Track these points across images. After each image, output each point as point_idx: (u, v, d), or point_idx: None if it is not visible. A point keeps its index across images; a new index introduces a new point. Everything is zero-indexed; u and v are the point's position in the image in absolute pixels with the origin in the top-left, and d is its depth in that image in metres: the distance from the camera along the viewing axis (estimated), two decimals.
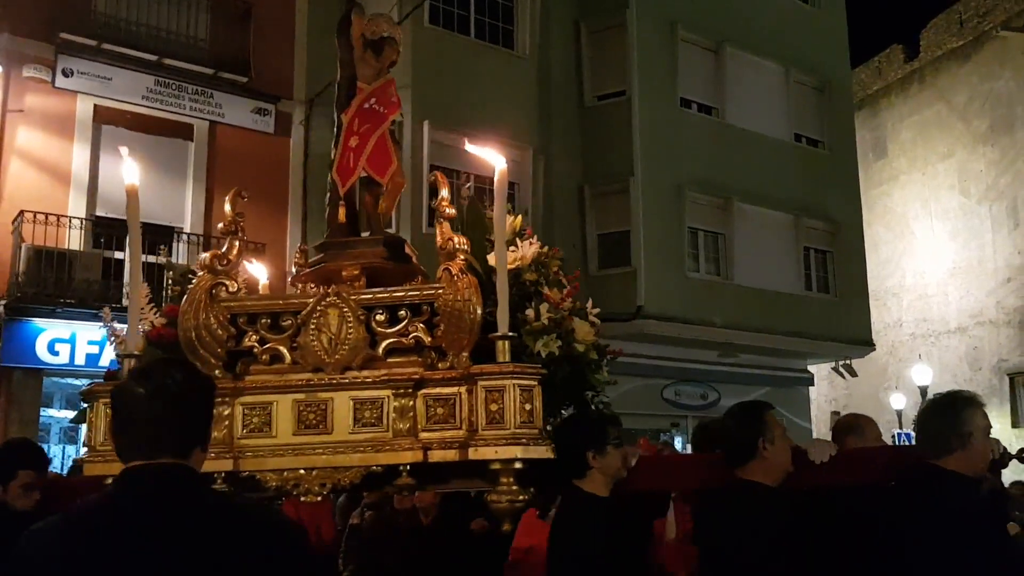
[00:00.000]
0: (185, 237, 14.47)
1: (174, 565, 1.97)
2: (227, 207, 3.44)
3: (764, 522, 3.58)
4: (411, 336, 3.21)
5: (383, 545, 5.77)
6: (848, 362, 21.56)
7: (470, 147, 3.44)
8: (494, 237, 3.50)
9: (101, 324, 4.04)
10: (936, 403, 3.72)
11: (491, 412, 3.00)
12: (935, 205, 29.19)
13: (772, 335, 19.09)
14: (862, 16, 40.68)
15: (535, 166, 17.44)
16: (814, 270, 20.96)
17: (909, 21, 50.78)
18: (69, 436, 14.86)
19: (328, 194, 3.95)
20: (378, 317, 3.22)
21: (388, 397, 3.12)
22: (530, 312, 3.32)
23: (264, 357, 3.23)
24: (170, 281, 3.87)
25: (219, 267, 3.34)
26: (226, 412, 3.09)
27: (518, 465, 3.00)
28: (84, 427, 3.73)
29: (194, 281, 3.38)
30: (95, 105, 14.32)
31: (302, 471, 3.07)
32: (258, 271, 4.35)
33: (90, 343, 13.47)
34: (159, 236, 13.12)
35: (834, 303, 20.99)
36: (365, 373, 3.17)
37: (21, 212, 13.15)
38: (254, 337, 3.24)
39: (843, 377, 22.32)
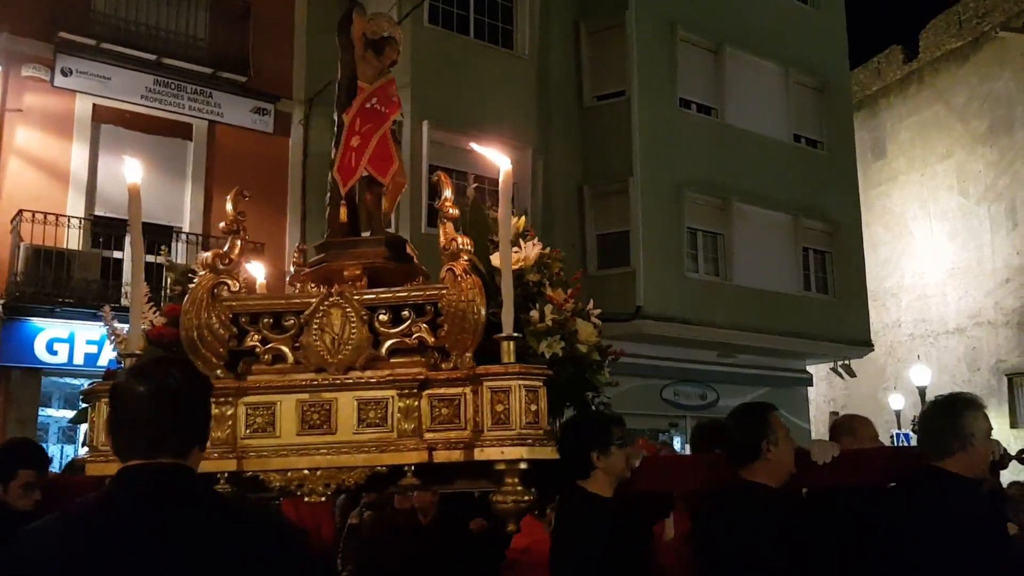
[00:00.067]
0: (184, 237, 14.46)
1: (173, 565, 1.96)
2: (229, 206, 3.43)
3: (767, 523, 3.59)
4: (414, 336, 3.21)
5: (382, 545, 5.76)
6: (847, 362, 21.56)
7: (475, 147, 3.43)
8: (496, 238, 3.51)
9: (102, 323, 4.03)
10: (937, 405, 3.75)
11: (497, 413, 3.00)
12: (934, 206, 29.22)
13: (771, 335, 19.09)
14: (861, 17, 40.67)
15: (534, 166, 17.44)
16: (813, 270, 20.96)
17: (908, 22, 50.90)
18: (67, 436, 14.85)
19: (328, 194, 3.94)
20: (381, 317, 3.22)
21: (393, 397, 3.12)
22: (534, 313, 3.32)
23: (266, 357, 3.22)
24: (171, 280, 3.85)
25: (221, 266, 3.33)
26: (229, 412, 3.08)
27: (523, 466, 3.00)
28: (84, 427, 3.72)
29: (196, 280, 3.37)
30: (94, 104, 14.31)
31: (306, 471, 3.06)
32: (256, 270, 4.35)
33: (89, 343, 13.48)
34: (158, 236, 13.11)
35: (833, 303, 20.99)
36: (369, 373, 3.16)
37: (20, 211, 13.14)
38: (256, 337, 3.23)
39: (842, 377, 22.33)
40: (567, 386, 3.40)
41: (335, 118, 3.92)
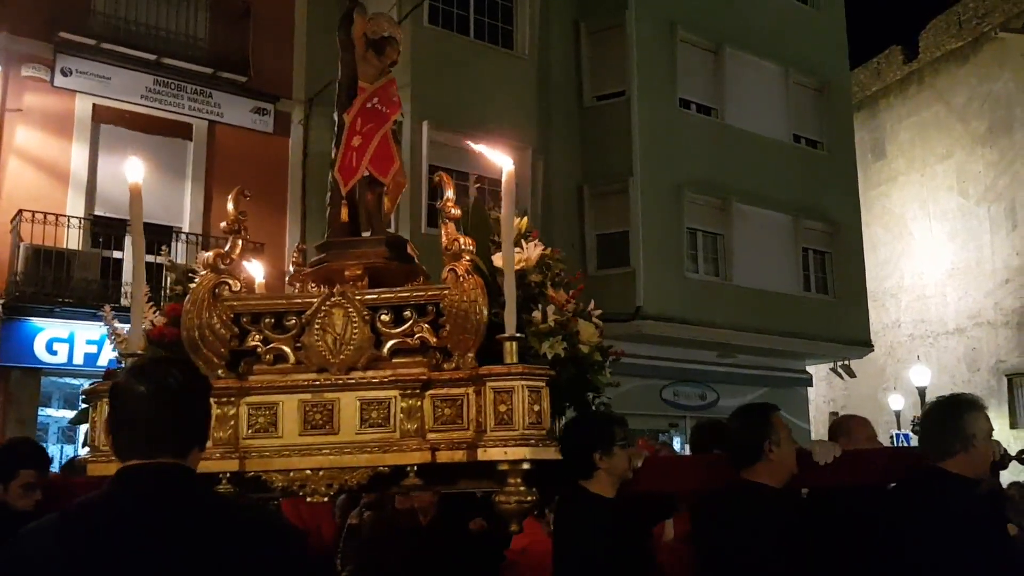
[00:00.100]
0: (184, 237, 14.46)
1: (173, 565, 1.96)
2: (230, 206, 3.42)
3: (769, 523, 3.60)
4: (416, 337, 3.20)
5: (382, 545, 5.76)
6: (846, 363, 21.57)
7: (478, 148, 3.43)
8: (498, 238, 3.51)
9: (102, 323, 4.02)
10: (939, 406, 3.76)
11: (500, 413, 2.99)
12: (933, 206, 29.24)
13: (771, 336, 19.10)
14: (861, 17, 40.69)
15: (534, 166, 17.43)
16: (813, 271, 20.97)
17: (908, 22, 50.94)
18: (67, 436, 14.84)
19: (329, 193, 3.93)
20: (383, 317, 3.21)
21: (395, 397, 3.11)
22: (537, 314, 3.32)
23: (268, 357, 3.21)
24: (171, 280, 3.85)
25: (222, 266, 3.33)
26: (231, 412, 3.08)
27: (526, 466, 3.00)
28: (85, 427, 3.71)
29: (197, 280, 3.36)
30: (94, 104, 14.31)
31: (308, 471, 3.05)
32: (254, 270, 4.34)
33: (88, 342, 13.48)
34: (158, 236, 13.10)
35: (833, 304, 21.00)
36: (371, 373, 3.16)
37: (20, 211, 13.14)
38: (257, 337, 3.23)
39: (841, 378, 22.35)
40: (568, 386, 3.40)
41: (335, 118, 3.91)
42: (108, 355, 11.74)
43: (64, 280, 13.18)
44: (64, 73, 14.02)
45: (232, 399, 3.09)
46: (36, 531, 2.04)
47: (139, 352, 3.21)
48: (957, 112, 28.60)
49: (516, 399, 3.00)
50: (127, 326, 3.60)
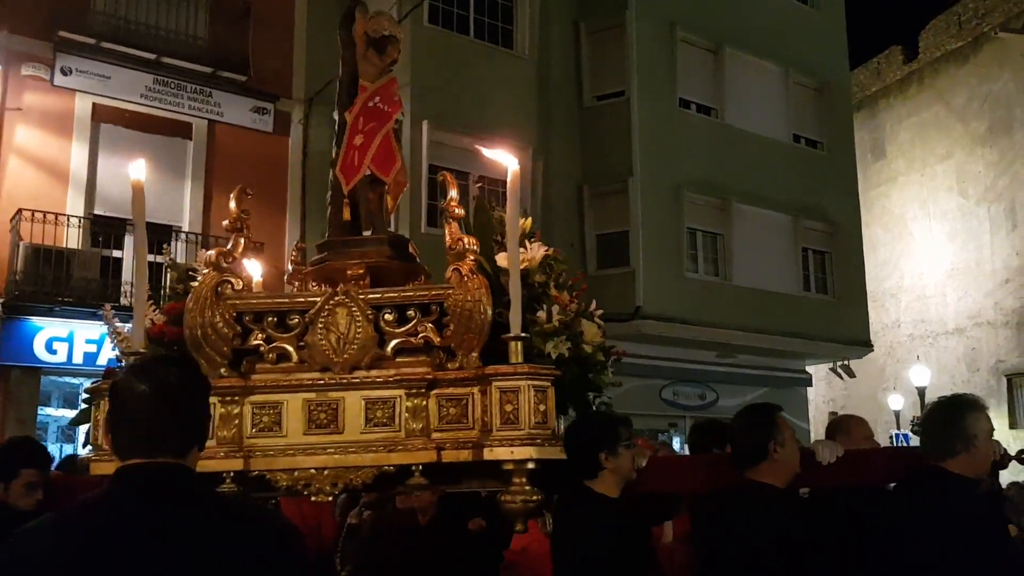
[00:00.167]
0: (184, 236, 14.45)
1: (173, 565, 1.95)
2: (232, 204, 3.42)
3: (774, 523, 3.61)
4: (420, 336, 3.20)
5: (381, 545, 5.75)
6: (846, 363, 21.57)
7: (483, 150, 3.43)
8: (501, 238, 3.51)
9: (102, 322, 4.02)
10: (940, 406, 3.79)
11: (506, 412, 3.00)
12: (933, 206, 29.23)
13: (770, 336, 19.09)
14: (861, 17, 40.66)
15: (534, 166, 17.41)
16: (812, 271, 20.97)
17: (908, 22, 50.94)
18: (67, 435, 14.83)
19: (329, 192, 3.93)
20: (387, 316, 3.21)
21: (401, 397, 3.11)
22: (541, 314, 3.33)
23: (270, 356, 3.21)
24: (173, 279, 3.84)
25: (225, 264, 3.33)
26: (235, 411, 3.07)
27: (531, 466, 3.00)
28: (86, 426, 3.71)
29: (199, 279, 3.36)
30: (94, 104, 14.30)
31: (313, 471, 3.05)
32: (252, 268, 4.34)
33: (88, 342, 13.47)
34: (157, 235, 13.07)
35: (832, 304, 21.00)
36: (376, 372, 3.16)
37: (19, 210, 13.13)
38: (260, 336, 3.22)
39: (841, 378, 22.35)
40: (571, 386, 3.40)
41: (335, 117, 3.91)
42: (108, 354, 11.75)
43: (64, 279, 13.17)
44: (64, 72, 14.01)
45: (236, 398, 3.09)
46: (35, 530, 2.03)
47: (141, 350, 3.20)
48: (957, 112, 28.60)
49: (522, 399, 3.01)
50: (127, 325, 3.59)
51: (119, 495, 2.07)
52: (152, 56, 14.58)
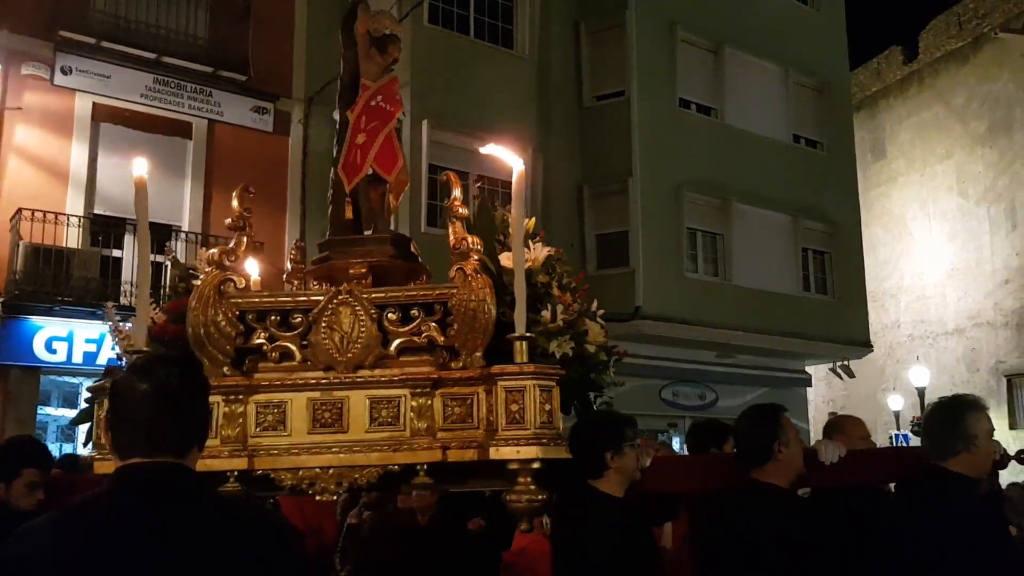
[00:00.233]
0: (183, 236, 14.45)
1: (172, 565, 1.95)
2: (235, 202, 3.41)
3: (780, 523, 3.63)
4: (424, 335, 3.20)
5: (380, 544, 5.75)
6: (846, 363, 21.59)
7: (488, 149, 3.43)
8: (503, 237, 3.51)
9: (103, 321, 4.01)
10: (941, 406, 3.80)
11: (511, 412, 3.00)
12: (933, 206, 29.24)
13: (770, 336, 19.10)
14: (861, 17, 40.69)
15: (534, 166, 17.41)
16: (812, 271, 20.99)
17: (908, 23, 50.97)
18: (66, 435, 14.84)
19: (331, 191, 3.92)
20: (390, 316, 3.20)
21: (406, 396, 3.11)
22: (546, 314, 3.33)
23: (273, 355, 3.21)
24: (175, 278, 3.84)
25: (227, 263, 3.32)
26: (239, 410, 3.07)
27: (536, 465, 3.00)
28: (87, 425, 3.70)
29: (202, 277, 3.36)
30: (94, 103, 14.29)
31: (318, 470, 3.04)
32: (250, 267, 4.34)
33: (88, 341, 13.47)
34: (157, 234, 13.05)
35: (832, 304, 21.02)
36: (380, 372, 3.16)
37: (19, 210, 13.12)
38: (263, 335, 3.22)
39: (841, 378, 22.36)
40: (574, 386, 3.41)
41: (336, 116, 3.91)
42: (107, 354, 11.75)
43: (63, 279, 13.16)
44: (64, 71, 14.01)
45: (240, 397, 3.08)
46: (35, 530, 2.03)
47: (143, 348, 3.20)
48: (957, 112, 28.60)
49: (528, 398, 3.00)
50: (128, 324, 3.59)
51: (119, 494, 2.07)
52: (152, 56, 14.57)
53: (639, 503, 3.78)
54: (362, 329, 3.14)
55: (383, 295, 3.26)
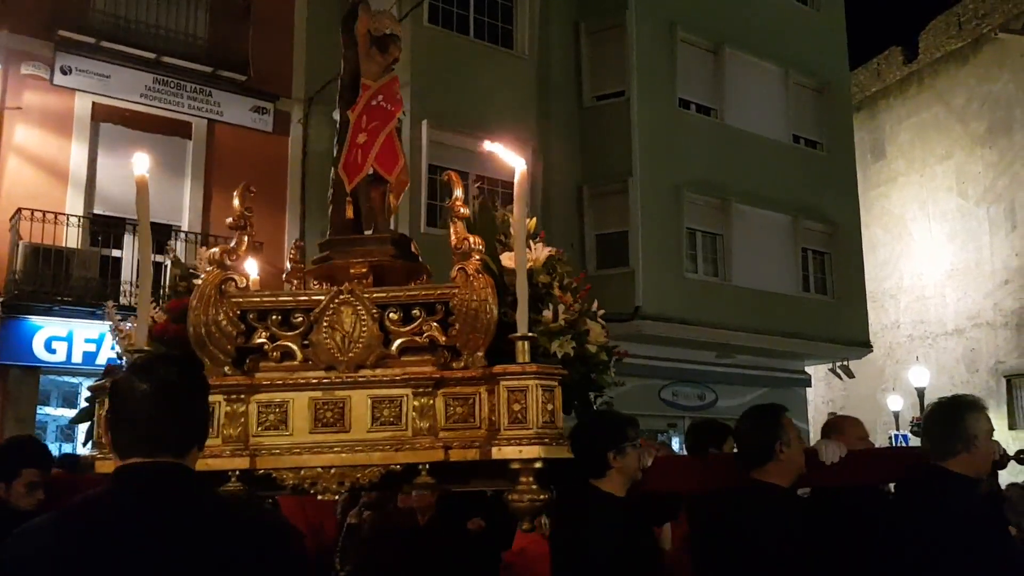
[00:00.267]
0: (183, 235, 14.44)
1: (172, 565, 1.95)
2: (236, 202, 3.41)
3: (782, 523, 3.63)
4: (425, 335, 3.20)
5: (380, 544, 5.75)
6: (845, 363, 21.59)
7: (491, 148, 3.43)
8: (504, 237, 3.52)
9: (104, 320, 4.00)
10: (941, 407, 3.81)
11: (514, 412, 3.00)
12: (933, 207, 29.25)
13: (770, 336, 19.11)
14: (861, 18, 40.71)
15: (534, 166, 17.39)
16: (812, 271, 20.99)
17: (908, 23, 51.02)
18: (65, 434, 14.84)
19: (331, 191, 3.92)
20: (392, 316, 3.20)
21: (408, 396, 3.11)
22: (547, 313, 3.33)
23: (274, 354, 3.20)
24: (176, 277, 3.84)
25: (228, 262, 3.32)
26: (241, 409, 3.07)
27: (539, 465, 3.00)
28: (88, 424, 3.70)
29: (203, 276, 3.35)
30: (93, 103, 14.28)
31: (320, 469, 3.04)
32: (249, 267, 4.34)
33: (87, 341, 13.47)
34: (157, 234, 12.98)
35: (832, 304, 21.02)
36: (381, 371, 3.15)
37: (19, 209, 13.11)
38: (264, 334, 3.22)
39: (840, 378, 22.36)
40: (575, 386, 3.41)
41: (336, 116, 3.90)
42: (107, 353, 11.75)
43: (63, 278, 13.15)
44: (64, 71, 14.00)
45: (242, 396, 3.08)
46: (35, 529, 2.03)
47: (145, 348, 3.19)
48: (957, 113, 28.61)
49: (530, 398, 3.00)
50: (128, 324, 3.58)
51: (119, 494, 2.07)
52: (152, 55, 14.56)
53: (640, 503, 3.79)
54: (364, 329, 3.14)
55: (385, 295, 3.26)
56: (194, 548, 1.99)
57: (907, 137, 30.31)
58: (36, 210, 13.15)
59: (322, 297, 3.20)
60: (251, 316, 3.24)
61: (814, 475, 3.77)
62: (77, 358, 13.53)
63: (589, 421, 3.65)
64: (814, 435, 20.59)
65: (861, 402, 27.88)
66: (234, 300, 3.22)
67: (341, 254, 3.65)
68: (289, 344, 3.20)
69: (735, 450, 4.14)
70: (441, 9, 17.36)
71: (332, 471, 3.04)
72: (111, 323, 3.82)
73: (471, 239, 3.29)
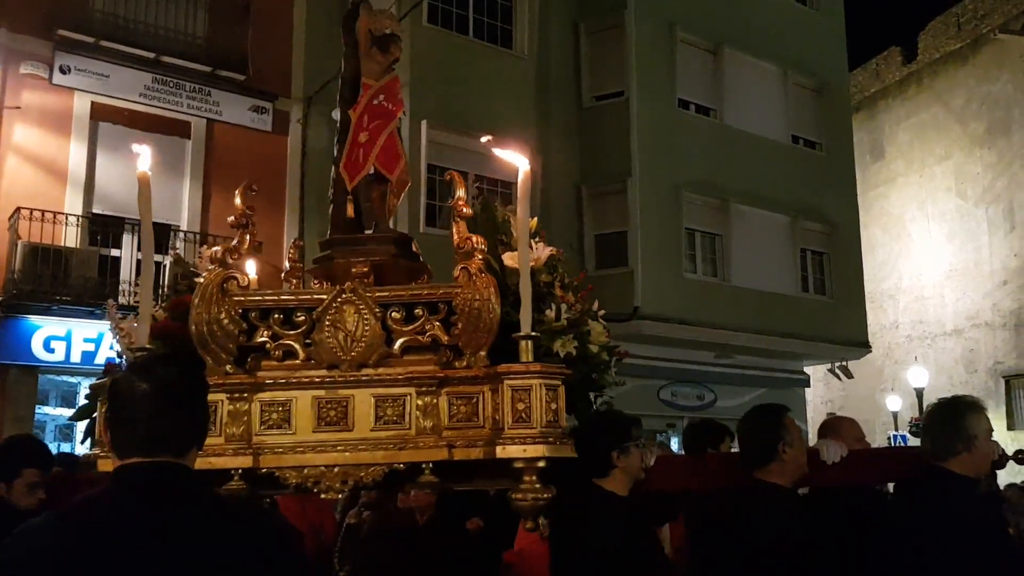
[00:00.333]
0: (182, 235, 14.44)
1: (171, 565, 1.96)
2: (237, 200, 3.41)
3: (785, 523, 3.64)
4: (428, 334, 3.20)
5: (379, 544, 5.75)
6: (844, 364, 21.61)
7: (494, 147, 3.43)
8: (505, 236, 3.52)
9: (104, 319, 4.00)
10: (941, 407, 3.85)
11: (518, 411, 3.00)
12: (932, 207, 29.27)
13: (768, 336, 19.12)
14: (860, 18, 40.81)
15: (533, 166, 17.31)
16: (811, 271, 21.01)
17: (907, 23, 51.08)
18: (64, 434, 14.84)
19: (331, 190, 3.92)
20: (394, 315, 3.20)
21: (411, 395, 3.11)
22: (550, 313, 3.33)
23: (277, 353, 3.20)
24: (178, 275, 3.83)
25: (230, 261, 3.32)
26: (244, 408, 3.06)
27: (542, 464, 3.00)
28: (82, 424, 3.69)
29: (205, 275, 3.35)
30: (92, 102, 14.28)
31: (323, 468, 3.04)
32: (248, 267, 4.33)
33: (86, 340, 13.48)
34: (156, 234, 12.99)
35: (830, 305, 21.03)
36: (386, 370, 3.15)
37: (18, 209, 13.11)
38: (266, 333, 3.22)
39: (839, 379, 22.37)
40: (576, 386, 3.41)
41: (335, 115, 3.90)
42: (105, 353, 11.73)
43: (62, 278, 13.15)
44: (63, 71, 14.00)
45: (245, 394, 3.08)
46: (34, 529, 2.03)
47: (147, 346, 3.19)
48: (956, 113, 28.64)
49: (534, 397, 3.00)
50: (133, 323, 3.58)
51: (118, 494, 2.07)
52: (151, 55, 14.56)
53: (643, 503, 3.79)
54: (366, 328, 3.14)
55: (387, 294, 3.25)
56: (193, 548, 1.99)
57: (906, 138, 30.33)
58: (35, 209, 13.15)
59: (324, 296, 3.20)
60: (253, 315, 3.24)
61: (815, 475, 3.79)
62: (76, 358, 13.54)
63: (593, 420, 3.65)
64: (812, 436, 20.62)
65: (860, 402, 27.90)
66: (236, 299, 3.22)
67: (343, 253, 3.65)
68: (291, 343, 3.20)
69: (733, 449, 4.15)
70: (440, 9, 17.37)
71: (335, 470, 3.04)
72: (112, 321, 3.81)
73: (474, 239, 3.29)
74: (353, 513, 6.15)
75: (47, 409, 15.00)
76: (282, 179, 15.67)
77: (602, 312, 3.64)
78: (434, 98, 16.17)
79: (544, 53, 18.50)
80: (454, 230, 3.34)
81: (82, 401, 3.88)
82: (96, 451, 3.28)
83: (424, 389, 3.11)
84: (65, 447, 13.59)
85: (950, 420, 3.71)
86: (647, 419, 18.08)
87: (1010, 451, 3.80)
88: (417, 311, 3.24)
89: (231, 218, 3.42)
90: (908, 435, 24.30)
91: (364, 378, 3.13)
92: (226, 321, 3.16)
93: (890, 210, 30.43)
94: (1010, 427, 25.58)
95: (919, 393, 24.66)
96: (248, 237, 3.40)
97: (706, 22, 19.40)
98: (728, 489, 3.81)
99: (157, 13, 14.83)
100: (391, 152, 3.77)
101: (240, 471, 2.99)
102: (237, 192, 3.41)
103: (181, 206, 14.84)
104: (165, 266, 8.59)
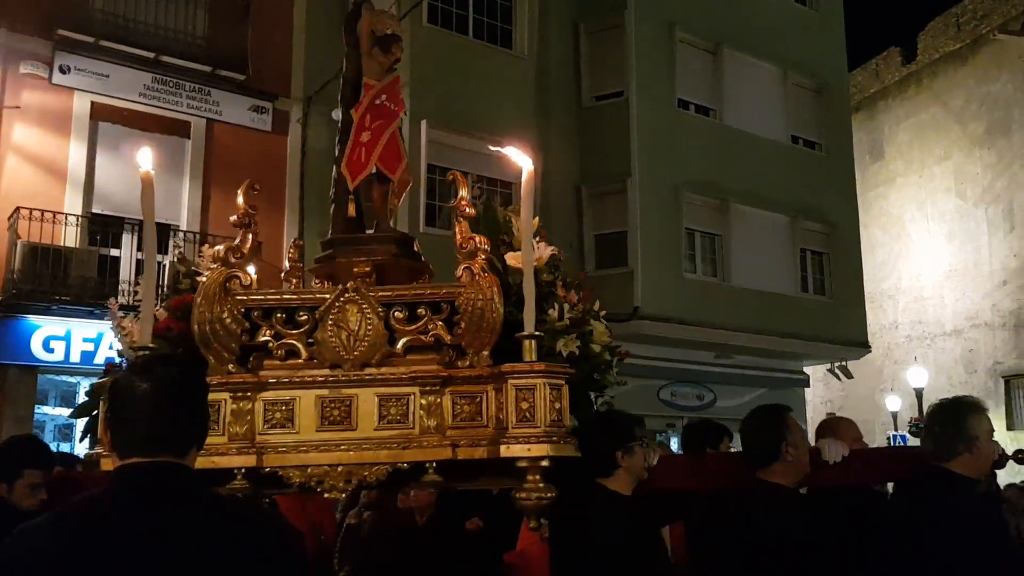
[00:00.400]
0: (182, 235, 14.44)
1: (172, 565, 1.96)
2: (240, 199, 3.41)
3: (788, 523, 3.64)
4: (430, 334, 3.20)
5: (379, 545, 5.75)
6: (844, 364, 21.62)
7: (497, 149, 3.43)
8: (508, 236, 3.52)
9: (106, 318, 4.00)
10: (942, 408, 3.84)
11: (522, 410, 3.00)
12: (931, 207, 29.28)
13: (768, 336, 19.13)
14: (860, 18, 40.84)
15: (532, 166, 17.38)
16: (810, 272, 21.02)
17: (907, 24, 51.10)
18: (63, 434, 14.83)
19: (333, 190, 3.92)
20: (397, 314, 3.20)
21: (415, 394, 3.11)
22: (553, 312, 3.34)
23: (279, 352, 3.20)
24: (180, 274, 3.83)
25: (233, 260, 3.32)
26: (247, 407, 3.06)
27: (546, 463, 3.01)
28: (87, 421, 3.69)
29: (207, 274, 3.35)
30: (92, 102, 14.28)
31: (327, 467, 3.04)
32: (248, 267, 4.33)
33: (85, 340, 13.48)
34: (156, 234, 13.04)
35: (830, 305, 21.04)
36: (388, 370, 3.15)
37: (17, 208, 13.11)
38: (268, 332, 3.22)
39: (839, 379, 22.37)
40: (579, 385, 3.41)
41: (336, 115, 3.90)
42: (105, 353, 11.74)
43: (61, 278, 13.16)
44: (62, 70, 13.99)
45: (248, 394, 3.08)
46: (34, 529, 2.03)
47: (149, 345, 3.19)
48: (955, 114, 28.65)
49: (538, 397, 3.00)
50: (135, 323, 3.58)
51: (118, 494, 2.07)
52: (151, 55, 14.56)
53: (645, 502, 3.79)
54: (369, 327, 3.14)
55: (390, 293, 3.26)
56: (193, 548, 1.99)
57: (906, 138, 30.34)
58: (35, 209, 13.15)
59: (327, 295, 3.20)
60: (256, 314, 3.24)
61: (816, 475, 3.79)
62: (75, 357, 13.54)
63: (597, 420, 3.66)
64: (812, 436, 20.61)
65: (859, 402, 27.92)
66: (238, 298, 3.22)
67: (345, 252, 3.64)
68: (294, 342, 3.20)
69: (732, 449, 4.15)
70: (440, 9, 17.38)
71: (339, 469, 3.04)
72: (113, 320, 3.81)
73: (477, 238, 3.30)
74: (353, 513, 6.16)
75: (46, 409, 15.00)
76: (282, 179, 15.67)
77: (602, 312, 3.65)
78: (434, 98, 16.17)
79: (544, 53, 18.51)
80: (456, 230, 3.35)
81: (83, 396, 3.88)
82: (98, 450, 3.28)
83: (428, 388, 3.11)
84: (65, 447, 13.57)
85: (952, 421, 3.72)
86: (647, 419, 18.09)
87: (1010, 451, 3.81)
88: (420, 311, 3.24)
89: (233, 217, 3.41)
90: (908, 435, 24.31)
91: (368, 377, 3.13)
92: (229, 320, 3.16)
93: (890, 210, 30.44)
94: (1010, 427, 25.60)
95: (919, 393, 24.67)
96: (250, 236, 3.40)
97: (706, 22, 19.41)
98: (730, 489, 3.81)
99: (157, 13, 14.83)
100: (393, 152, 3.78)
101: (243, 470, 2.99)
102: (240, 191, 3.41)
103: (181, 206, 14.84)
104: (164, 266, 8.60)
